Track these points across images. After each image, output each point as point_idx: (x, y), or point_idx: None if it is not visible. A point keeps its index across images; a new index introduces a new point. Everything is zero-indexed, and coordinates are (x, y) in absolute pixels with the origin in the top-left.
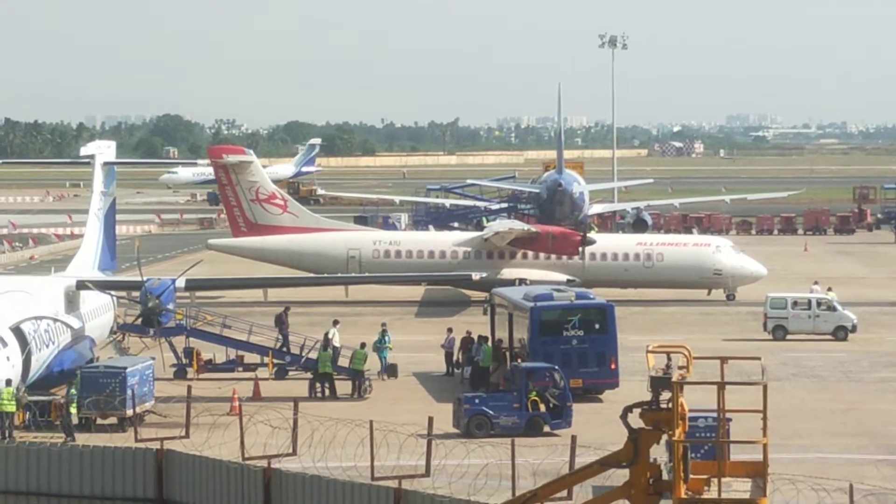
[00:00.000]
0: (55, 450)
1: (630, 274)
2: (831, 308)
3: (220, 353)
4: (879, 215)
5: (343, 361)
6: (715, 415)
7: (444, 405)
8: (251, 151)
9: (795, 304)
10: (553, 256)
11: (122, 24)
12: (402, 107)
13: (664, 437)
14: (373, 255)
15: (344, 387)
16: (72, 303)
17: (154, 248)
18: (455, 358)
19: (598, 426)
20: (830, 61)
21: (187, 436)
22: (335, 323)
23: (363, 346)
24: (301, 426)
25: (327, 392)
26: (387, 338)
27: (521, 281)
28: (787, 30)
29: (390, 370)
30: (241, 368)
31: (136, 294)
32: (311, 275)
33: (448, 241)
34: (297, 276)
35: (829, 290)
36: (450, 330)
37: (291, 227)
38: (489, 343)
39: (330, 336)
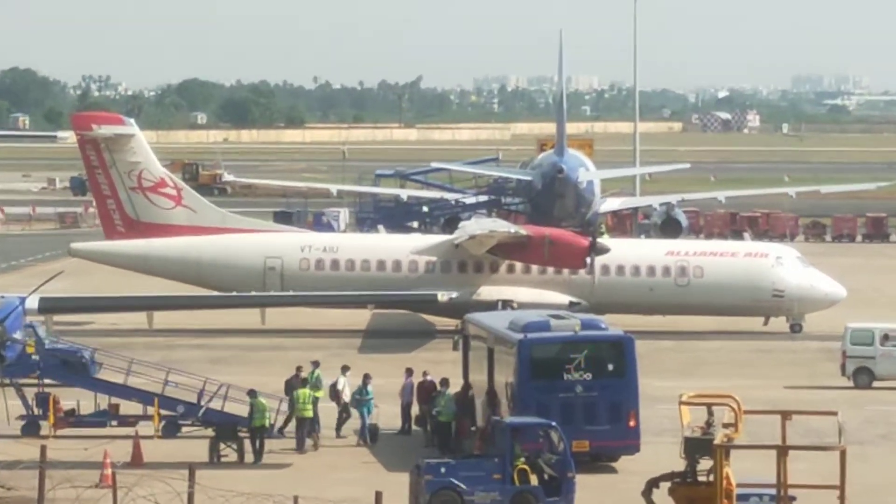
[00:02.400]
0: None
1: (657, 295)
2: None
3: (86, 401)
4: None
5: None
6: (773, 491)
7: (397, 475)
8: (132, 121)
9: (886, 338)
10: (550, 270)
11: None
12: (343, 61)
13: None
14: (300, 265)
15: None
16: None
17: None
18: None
19: None
20: None
21: None
22: (345, 370)
23: (254, 393)
24: (199, 503)
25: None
26: (369, 388)
27: (506, 304)
28: None
29: (372, 433)
30: (114, 422)
31: None
32: (215, 293)
33: (405, 248)
34: (194, 295)
35: None
36: (409, 371)
37: (187, 226)
38: (456, 388)
39: (340, 388)
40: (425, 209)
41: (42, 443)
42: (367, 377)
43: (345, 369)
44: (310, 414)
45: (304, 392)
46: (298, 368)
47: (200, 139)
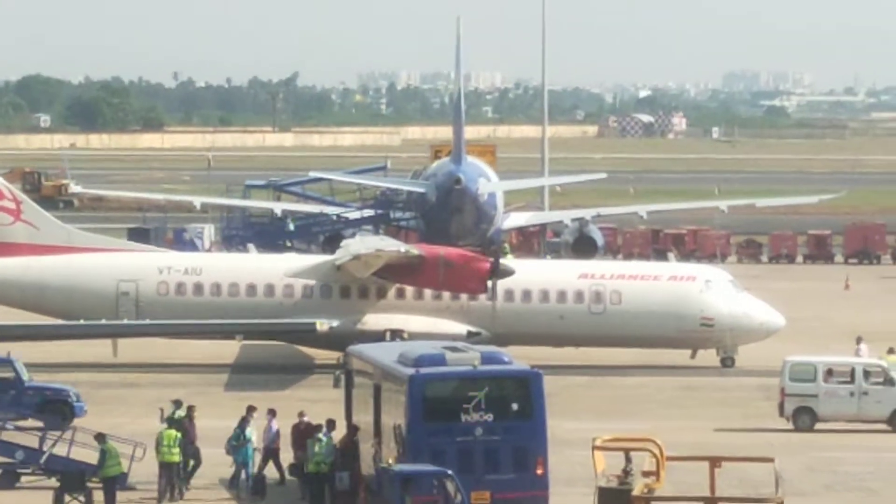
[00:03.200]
0: None
1: (569, 324)
2: (888, 381)
3: None
4: None
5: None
6: None
7: None
8: None
9: (830, 373)
10: (446, 295)
11: None
12: (207, 56)
13: None
14: (158, 290)
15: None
16: None
17: None
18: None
19: None
20: None
21: None
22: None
23: (103, 438)
24: None
25: None
26: (248, 429)
27: (396, 334)
28: None
29: (256, 485)
30: None
31: None
32: (59, 322)
33: (279, 270)
34: (34, 324)
35: (891, 350)
36: (271, 413)
37: (28, 244)
38: (330, 433)
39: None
40: (291, 227)
41: None
42: (244, 419)
43: (251, 410)
44: (176, 459)
45: (170, 434)
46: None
47: (43, 144)
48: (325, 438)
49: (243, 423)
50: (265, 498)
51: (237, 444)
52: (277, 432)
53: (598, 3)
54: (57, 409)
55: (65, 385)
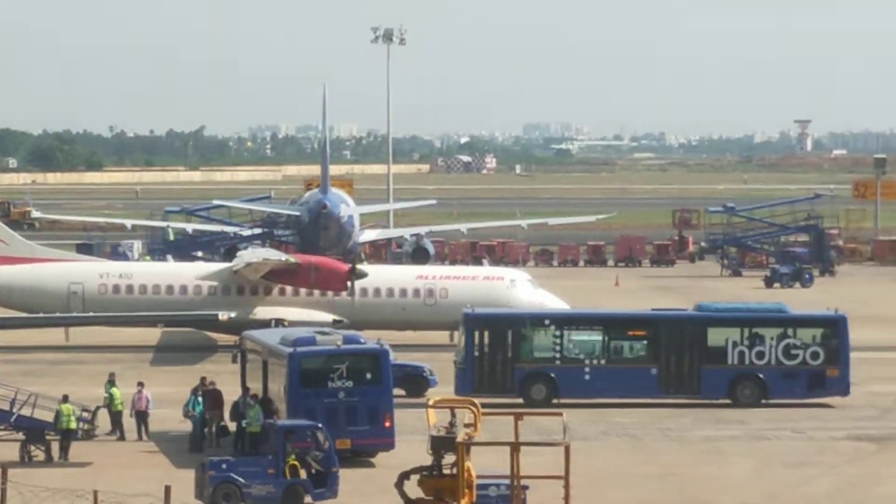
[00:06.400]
0: None
1: (409, 313)
2: None
3: None
4: (703, 243)
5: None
6: (508, 481)
7: (185, 471)
8: None
9: None
10: (316, 292)
11: None
12: (135, 112)
13: None
14: (98, 290)
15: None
16: None
17: None
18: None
19: (370, 496)
20: (645, 63)
21: None
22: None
23: (65, 398)
24: (11, 498)
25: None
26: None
27: (278, 322)
28: (592, 25)
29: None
30: None
31: None
32: (23, 315)
33: (190, 275)
34: (6, 317)
35: None
36: (140, 385)
37: (1, 256)
38: (256, 403)
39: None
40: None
41: None
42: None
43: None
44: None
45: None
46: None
47: (12, 181)
48: (255, 406)
49: (195, 391)
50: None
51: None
52: (148, 399)
53: (433, 71)
54: (415, 382)
55: (421, 363)
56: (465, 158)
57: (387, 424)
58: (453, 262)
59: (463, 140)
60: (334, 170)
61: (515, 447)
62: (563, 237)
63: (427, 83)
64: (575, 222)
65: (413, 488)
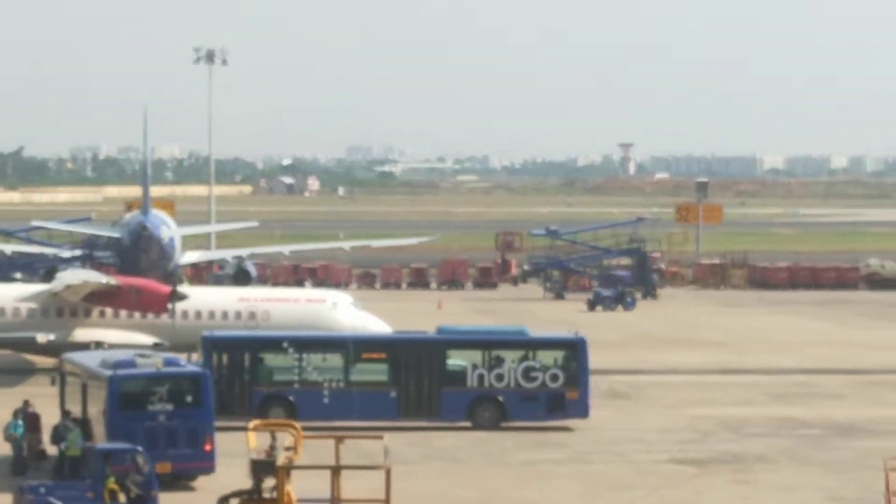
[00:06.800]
0: None
1: None
2: None
3: None
4: (526, 266)
5: None
6: None
7: (5, 496)
8: None
9: None
10: (137, 315)
11: None
12: None
13: None
14: None
15: None
16: None
17: None
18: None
19: None
20: (468, 86)
21: None
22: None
23: None
24: None
25: None
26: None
27: (98, 344)
28: (414, 47)
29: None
30: None
31: None
32: None
33: (8, 296)
34: None
35: None
36: None
37: None
38: (77, 427)
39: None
40: None
41: None
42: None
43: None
44: None
45: None
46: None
47: None
48: (75, 429)
49: (16, 414)
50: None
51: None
52: None
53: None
54: None
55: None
56: (288, 180)
57: (207, 447)
58: (275, 285)
59: (285, 162)
60: (155, 191)
61: (336, 470)
62: (385, 259)
63: (250, 104)
64: (398, 245)
65: None
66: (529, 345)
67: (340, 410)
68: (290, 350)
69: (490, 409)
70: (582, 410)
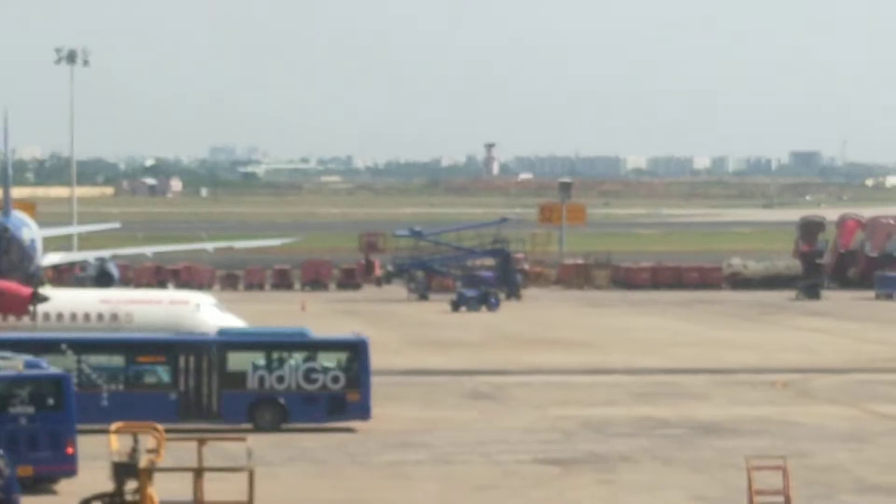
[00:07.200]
0: None
1: None
2: None
3: None
4: (390, 267)
5: None
6: None
7: None
8: None
9: None
10: None
11: None
12: None
13: None
14: None
15: None
16: None
17: None
18: None
19: None
20: (332, 86)
21: None
22: None
23: None
24: None
25: None
26: None
27: None
28: (277, 47)
29: None
30: None
31: None
32: None
33: None
34: None
35: None
36: None
37: None
38: None
39: None
40: None
41: None
42: None
43: None
44: None
45: None
46: None
47: None
48: None
49: None
50: None
51: None
52: None
53: (118, 94)
54: None
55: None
56: (150, 181)
57: (69, 450)
58: (138, 286)
59: (148, 163)
60: (16, 192)
61: (199, 472)
62: (249, 261)
63: (112, 105)
64: (261, 246)
65: None
66: (311, 346)
67: (119, 413)
68: (69, 352)
69: (271, 411)
70: (363, 412)
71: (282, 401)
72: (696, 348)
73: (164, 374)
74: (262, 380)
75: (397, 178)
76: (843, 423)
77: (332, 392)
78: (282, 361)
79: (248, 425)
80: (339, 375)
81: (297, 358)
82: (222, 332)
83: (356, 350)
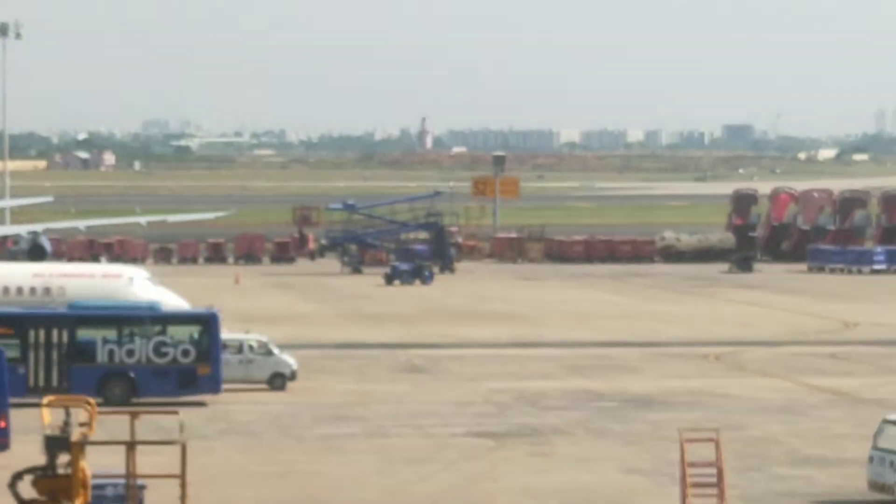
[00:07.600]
0: None
1: None
2: (267, 352)
3: None
4: (324, 241)
5: None
6: (125, 481)
7: None
8: None
9: (224, 346)
10: None
11: None
12: None
13: None
14: None
15: None
16: None
17: None
18: None
19: None
20: (264, 61)
21: None
22: None
23: None
24: None
25: None
26: None
27: None
28: (211, 24)
29: None
30: None
31: None
32: None
33: None
34: None
35: (247, 330)
36: None
37: None
38: None
39: None
40: None
41: None
42: None
43: None
44: None
45: None
46: None
47: None
48: None
49: None
50: None
51: None
52: None
53: (51, 68)
54: None
55: None
56: (83, 155)
57: (2, 424)
58: (71, 260)
59: (81, 136)
60: None
61: (131, 446)
62: (182, 234)
63: (44, 79)
64: (194, 219)
65: (27, 489)
66: (161, 320)
67: None
68: None
69: (121, 385)
70: (214, 386)
71: (132, 374)
72: (630, 321)
73: (12, 347)
74: (111, 353)
75: (330, 152)
76: (775, 396)
77: (183, 366)
78: (131, 335)
79: (99, 399)
80: (190, 349)
81: (145, 331)
82: (72, 305)
83: (207, 323)
